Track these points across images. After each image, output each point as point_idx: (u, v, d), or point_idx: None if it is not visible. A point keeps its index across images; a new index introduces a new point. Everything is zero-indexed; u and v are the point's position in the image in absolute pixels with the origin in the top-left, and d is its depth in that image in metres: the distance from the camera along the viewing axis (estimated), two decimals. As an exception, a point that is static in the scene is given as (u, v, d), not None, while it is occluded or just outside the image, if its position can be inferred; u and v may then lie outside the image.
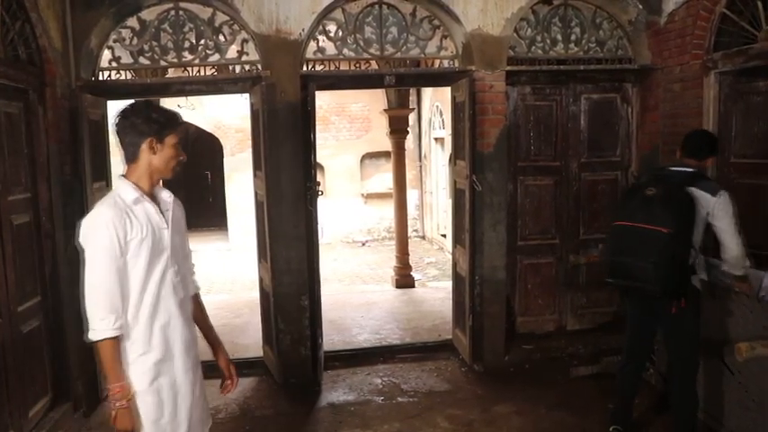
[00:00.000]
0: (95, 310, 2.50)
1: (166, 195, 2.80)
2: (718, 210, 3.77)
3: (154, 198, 2.72)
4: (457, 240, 6.04)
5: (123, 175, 2.69)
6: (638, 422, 4.46)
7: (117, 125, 2.65)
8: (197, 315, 2.98)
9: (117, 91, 5.43)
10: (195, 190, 17.29)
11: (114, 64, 5.30)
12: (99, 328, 2.50)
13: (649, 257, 3.71)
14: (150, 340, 2.64)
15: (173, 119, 2.69)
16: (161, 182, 2.80)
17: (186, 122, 2.72)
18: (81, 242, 2.55)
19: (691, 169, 3.96)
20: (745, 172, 5.10)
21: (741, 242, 3.79)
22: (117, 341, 2.53)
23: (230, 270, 11.47)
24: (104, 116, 5.44)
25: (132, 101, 2.69)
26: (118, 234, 2.51)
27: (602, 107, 6.02)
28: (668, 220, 3.69)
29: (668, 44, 5.56)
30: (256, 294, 6.11)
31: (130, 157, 2.66)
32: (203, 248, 13.81)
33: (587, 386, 5.16)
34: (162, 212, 2.71)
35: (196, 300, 3.03)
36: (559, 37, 5.77)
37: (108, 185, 5.47)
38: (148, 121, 2.61)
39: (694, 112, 5.28)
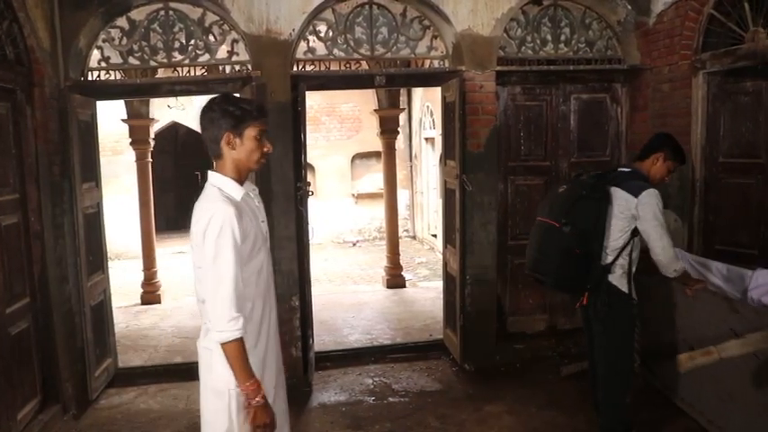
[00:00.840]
0: (224, 310, 2.45)
1: (251, 188, 2.79)
2: (639, 210, 3.72)
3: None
4: (447, 240, 6.05)
5: (215, 171, 2.64)
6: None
7: (200, 121, 2.63)
8: None
9: (106, 91, 5.41)
10: (185, 190, 17.23)
11: (103, 64, 5.29)
12: (228, 328, 2.45)
13: (544, 250, 3.81)
14: (259, 334, 2.67)
15: (250, 110, 2.59)
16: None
17: (263, 113, 2.65)
18: (202, 237, 2.47)
19: (628, 169, 3.98)
20: (733, 172, 5.14)
21: (667, 244, 3.74)
22: (242, 340, 2.49)
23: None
24: (93, 116, 5.43)
25: (215, 96, 2.64)
26: (236, 231, 2.46)
27: (592, 107, 6.04)
28: (562, 214, 3.72)
29: (657, 44, 5.59)
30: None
31: (214, 153, 2.63)
32: (194, 249, 13.75)
33: (578, 385, 5.17)
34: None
35: None
36: (549, 37, 5.79)
37: (98, 186, 5.46)
38: (225, 115, 2.56)
39: (683, 111, 5.31)
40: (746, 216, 5.07)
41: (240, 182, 2.64)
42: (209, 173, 2.64)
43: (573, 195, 3.80)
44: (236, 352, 2.47)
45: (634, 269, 3.87)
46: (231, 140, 2.57)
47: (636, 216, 3.74)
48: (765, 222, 4.92)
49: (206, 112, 2.59)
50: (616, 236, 3.79)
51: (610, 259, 3.81)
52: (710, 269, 4.72)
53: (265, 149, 2.64)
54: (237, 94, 5.73)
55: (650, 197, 3.72)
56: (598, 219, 3.74)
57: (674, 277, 3.86)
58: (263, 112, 2.65)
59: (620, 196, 3.77)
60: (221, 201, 2.50)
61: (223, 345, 2.47)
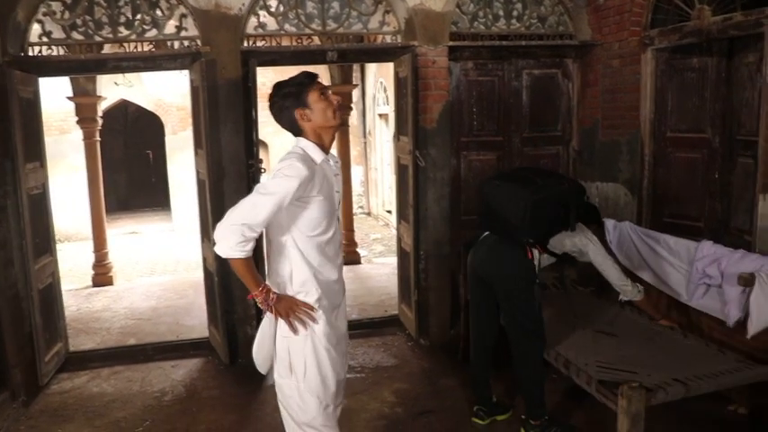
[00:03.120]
0: (239, 231, 2.61)
1: (334, 160, 2.96)
2: None
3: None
4: (401, 216, 6.05)
5: (303, 136, 2.84)
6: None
7: (274, 119, 2.87)
8: None
9: (49, 67, 5.24)
10: (137, 170, 16.95)
11: (45, 39, 5.12)
12: (237, 249, 2.64)
13: None
14: (325, 294, 2.88)
15: (301, 81, 2.80)
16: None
17: (313, 77, 2.85)
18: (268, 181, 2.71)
19: None
20: (681, 146, 5.24)
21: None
22: (248, 260, 2.69)
23: (174, 251, 11.28)
24: (36, 93, 5.26)
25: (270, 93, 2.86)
26: (302, 185, 2.65)
27: (544, 82, 6.07)
28: None
29: (607, 21, 5.64)
30: (201, 275, 6.04)
31: (297, 132, 2.85)
32: (146, 229, 13.58)
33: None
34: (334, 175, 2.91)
35: None
36: (501, 12, 5.79)
37: (42, 166, 5.31)
38: (286, 98, 2.79)
39: (632, 87, 5.39)
40: (693, 189, 5.18)
41: (324, 147, 2.85)
42: (297, 139, 2.86)
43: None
44: (243, 269, 2.71)
45: None
46: (303, 113, 2.79)
47: None
48: (711, 195, 5.04)
49: (273, 107, 2.85)
50: None
51: None
52: (659, 242, 4.82)
53: (335, 102, 2.83)
54: (186, 72, 5.64)
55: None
56: None
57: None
58: (312, 76, 2.84)
59: None
60: (298, 157, 2.70)
61: (230, 260, 2.69)
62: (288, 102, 2.79)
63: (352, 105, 10.21)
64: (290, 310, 2.77)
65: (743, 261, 4.06)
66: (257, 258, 3.12)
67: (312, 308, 2.82)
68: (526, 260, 3.92)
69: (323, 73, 9.78)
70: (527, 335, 4.02)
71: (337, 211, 2.91)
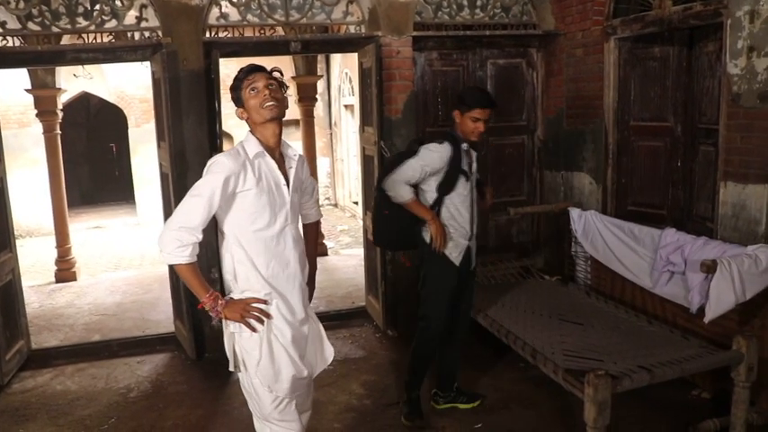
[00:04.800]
0: (176, 234, 2.63)
1: (292, 153, 2.93)
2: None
3: (281, 155, 2.86)
4: (367, 207, 6.03)
5: (250, 131, 2.83)
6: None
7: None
8: (308, 237, 3.24)
9: (4, 59, 5.10)
10: (100, 163, 16.71)
11: None
12: (176, 254, 2.64)
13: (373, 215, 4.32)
14: (275, 291, 2.81)
15: (238, 77, 2.78)
16: (282, 139, 2.90)
17: (250, 70, 2.82)
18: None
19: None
20: (643, 135, 5.30)
21: (391, 179, 3.94)
22: (192, 265, 2.68)
23: (139, 245, 11.12)
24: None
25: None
26: (229, 181, 2.64)
27: (508, 72, 6.08)
28: (380, 180, 4.07)
29: (571, 10, 5.67)
30: (166, 269, 5.96)
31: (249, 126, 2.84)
32: (111, 224, 13.37)
33: (500, 344, 5.28)
34: (287, 170, 2.85)
35: (316, 226, 3.36)
36: (465, 2, 5.78)
37: (1, 162, 5.19)
38: (232, 97, 2.80)
39: (596, 76, 5.42)
40: (656, 177, 5.24)
41: (266, 141, 2.79)
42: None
43: (392, 160, 4.12)
44: (187, 274, 2.69)
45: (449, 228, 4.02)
46: (242, 112, 2.81)
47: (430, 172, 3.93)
48: (674, 183, 5.10)
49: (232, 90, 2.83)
50: (423, 195, 4.00)
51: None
52: (623, 230, 4.87)
53: (263, 95, 2.73)
54: (147, 63, 5.55)
55: (423, 150, 3.93)
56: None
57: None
58: (247, 71, 2.79)
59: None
60: (230, 153, 2.70)
61: (174, 266, 2.69)
62: (234, 101, 2.81)
63: (317, 96, 10.14)
64: (243, 311, 2.72)
65: (705, 248, 4.12)
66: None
67: (264, 301, 2.77)
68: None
69: (287, 64, 9.72)
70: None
71: (288, 205, 2.83)
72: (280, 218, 2.80)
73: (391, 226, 4.11)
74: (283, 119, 2.84)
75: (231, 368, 2.88)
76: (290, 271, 2.87)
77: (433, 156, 3.90)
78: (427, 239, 4.00)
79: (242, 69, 2.80)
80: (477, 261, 4.29)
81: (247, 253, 2.77)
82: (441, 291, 4.08)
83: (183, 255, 2.63)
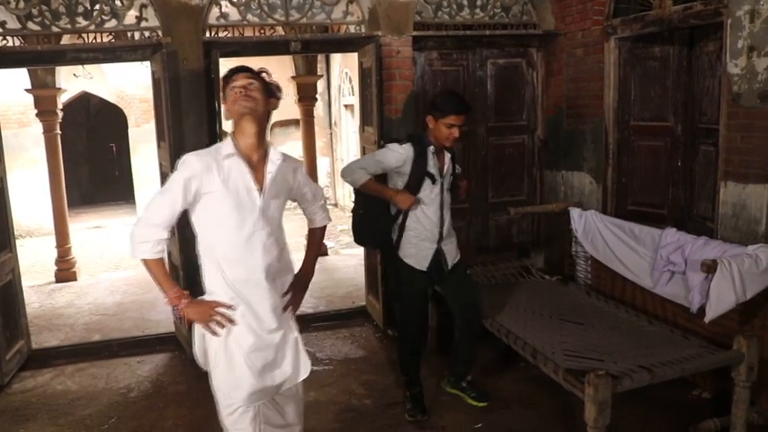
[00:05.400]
0: (146, 231, 2.67)
1: (276, 158, 2.84)
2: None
3: (263, 158, 2.79)
4: (368, 208, 6.02)
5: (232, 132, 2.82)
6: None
7: None
8: (310, 242, 3.33)
9: (4, 59, 5.10)
10: (100, 163, 16.70)
11: (-1, 29, 4.99)
12: (145, 249, 2.68)
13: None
14: (241, 297, 2.77)
15: (226, 76, 2.79)
16: (268, 142, 2.88)
17: (235, 71, 2.82)
18: None
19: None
20: (644, 134, 5.29)
21: (348, 167, 4.17)
22: (159, 261, 2.73)
23: (139, 245, 11.11)
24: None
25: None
26: (191, 181, 2.63)
27: (509, 72, 6.08)
28: None
29: (571, 10, 5.66)
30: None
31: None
32: (111, 223, 13.37)
33: (500, 344, 5.28)
34: (265, 174, 2.77)
35: (320, 231, 3.38)
36: (465, 2, 5.78)
37: (0, 162, 5.19)
38: (221, 90, 2.80)
39: (596, 76, 5.42)
40: (656, 177, 5.23)
41: (244, 142, 2.74)
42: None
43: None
44: (154, 270, 2.72)
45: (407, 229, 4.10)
46: (226, 110, 2.79)
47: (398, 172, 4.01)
48: (674, 183, 5.10)
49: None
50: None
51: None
52: (624, 229, 4.87)
53: (236, 92, 2.71)
54: (147, 63, 5.54)
55: (384, 147, 4.11)
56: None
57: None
58: (234, 70, 2.78)
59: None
60: (198, 152, 2.72)
61: (143, 262, 2.72)
62: (223, 100, 2.81)
63: (317, 96, 10.14)
64: (206, 314, 2.72)
65: (705, 248, 4.12)
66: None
67: (230, 306, 2.74)
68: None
69: (287, 64, 9.72)
70: None
71: (258, 211, 2.75)
72: (248, 223, 2.72)
73: (368, 225, 4.23)
74: (269, 120, 2.83)
75: (203, 366, 2.91)
76: (258, 278, 2.77)
77: (388, 154, 4.00)
78: (394, 239, 4.12)
79: (232, 68, 2.80)
80: (459, 256, 4.32)
81: (214, 255, 2.76)
82: (409, 292, 4.22)
83: (148, 250, 2.67)
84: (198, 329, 2.82)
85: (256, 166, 2.77)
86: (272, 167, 2.80)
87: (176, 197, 2.63)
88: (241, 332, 2.77)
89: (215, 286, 2.77)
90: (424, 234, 4.07)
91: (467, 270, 4.40)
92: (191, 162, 2.65)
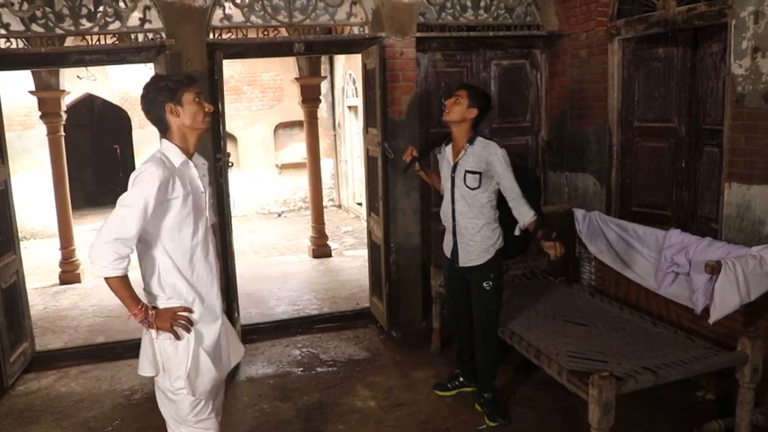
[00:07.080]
0: (111, 248, 2.62)
1: (201, 161, 3.00)
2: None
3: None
4: (371, 208, 6.03)
5: (167, 138, 2.84)
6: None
7: (143, 110, 2.87)
8: None
9: (8, 61, 5.12)
10: (104, 165, 16.70)
11: (3, 31, 4.98)
12: (113, 267, 2.64)
13: None
14: (199, 296, 2.88)
15: (181, 80, 2.86)
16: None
17: (193, 80, 2.92)
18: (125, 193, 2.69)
19: None
20: (648, 135, 5.29)
21: None
22: (124, 278, 2.69)
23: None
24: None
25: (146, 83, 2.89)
26: (159, 192, 2.65)
27: (512, 73, 6.08)
28: None
29: (574, 11, 5.66)
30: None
31: (163, 129, 2.84)
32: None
33: (504, 345, 5.27)
34: (200, 177, 2.91)
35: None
36: (469, 3, 5.78)
37: (4, 162, 5.20)
38: (161, 91, 2.80)
39: (600, 77, 5.42)
40: (660, 178, 5.23)
41: (187, 150, 2.84)
42: (161, 140, 2.86)
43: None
44: (119, 287, 2.69)
45: None
46: (173, 109, 2.79)
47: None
48: (678, 184, 5.09)
49: (144, 98, 2.85)
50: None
51: None
52: (627, 231, 4.86)
53: (206, 109, 2.85)
54: (151, 65, 5.55)
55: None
56: None
57: None
58: (192, 79, 2.92)
59: None
60: (156, 162, 2.70)
61: (106, 279, 2.68)
62: (162, 95, 2.79)
63: (321, 98, 10.14)
64: (172, 320, 2.77)
65: (710, 249, 4.11)
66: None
67: (190, 310, 2.83)
68: None
69: (291, 65, 9.74)
70: None
71: (206, 211, 2.94)
72: (201, 225, 2.88)
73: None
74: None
75: (146, 373, 2.93)
76: (214, 273, 2.96)
77: None
78: None
79: (184, 75, 2.92)
80: (480, 263, 4.19)
81: (174, 261, 2.81)
82: (443, 277, 4.64)
83: (119, 267, 2.66)
84: (148, 335, 2.87)
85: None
86: (204, 170, 2.99)
87: (149, 208, 2.65)
88: (202, 330, 2.89)
89: (177, 290, 2.84)
90: (444, 220, 4.35)
91: (485, 281, 4.18)
92: (155, 172, 2.66)
